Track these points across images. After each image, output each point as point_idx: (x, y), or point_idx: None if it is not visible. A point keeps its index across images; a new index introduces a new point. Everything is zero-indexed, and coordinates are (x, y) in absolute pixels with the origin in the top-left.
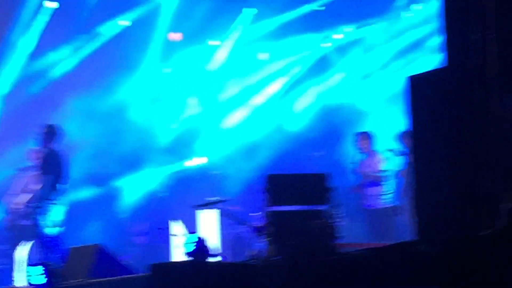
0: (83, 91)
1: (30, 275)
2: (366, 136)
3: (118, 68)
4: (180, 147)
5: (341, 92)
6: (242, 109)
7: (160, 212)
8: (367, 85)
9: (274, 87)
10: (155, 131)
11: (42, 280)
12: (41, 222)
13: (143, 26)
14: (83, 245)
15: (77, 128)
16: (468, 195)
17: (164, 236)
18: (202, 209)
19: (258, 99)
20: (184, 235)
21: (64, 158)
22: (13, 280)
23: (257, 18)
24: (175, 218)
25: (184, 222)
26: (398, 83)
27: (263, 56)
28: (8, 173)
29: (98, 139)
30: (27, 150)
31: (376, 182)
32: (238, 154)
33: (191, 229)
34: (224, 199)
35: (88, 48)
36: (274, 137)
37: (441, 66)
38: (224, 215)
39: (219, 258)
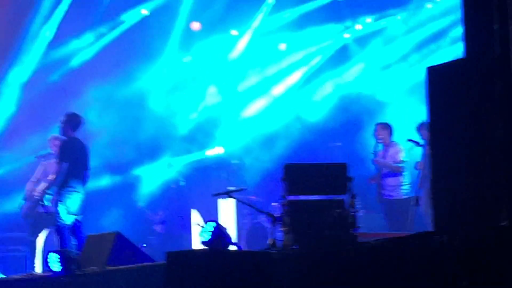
0: (103, 80)
1: (46, 262)
2: (385, 127)
3: (138, 56)
4: (199, 137)
5: (361, 82)
6: (262, 99)
7: (179, 201)
8: (386, 76)
9: (294, 77)
10: (174, 120)
11: (58, 267)
12: (57, 210)
13: (164, 15)
14: (101, 232)
15: (96, 117)
16: (486, 187)
17: (184, 225)
18: (222, 197)
19: (278, 89)
20: (200, 224)
21: (83, 147)
22: (34, 267)
23: (278, 8)
24: (194, 207)
25: (202, 211)
26: (418, 74)
27: (283, 46)
28: (28, 160)
29: (118, 128)
30: (48, 138)
31: (394, 172)
32: (256, 144)
33: (209, 218)
34: (243, 188)
35: (108, 36)
36: (293, 127)
37: (460, 58)
38: (242, 204)
39: (235, 247)
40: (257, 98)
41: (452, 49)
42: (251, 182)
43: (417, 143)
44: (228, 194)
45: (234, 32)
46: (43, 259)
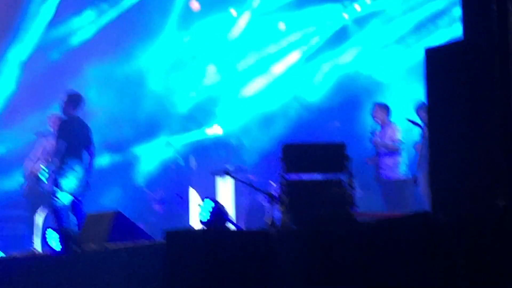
0: (103, 58)
1: (45, 241)
2: (382, 107)
3: (138, 35)
4: (198, 116)
5: (359, 63)
6: (260, 79)
7: (178, 180)
8: (385, 56)
9: (293, 57)
10: (173, 99)
11: (58, 246)
12: (54, 189)
13: None
14: (100, 211)
15: (96, 95)
16: (483, 167)
17: (183, 204)
18: (221, 176)
19: (276, 69)
20: (199, 203)
21: (83, 126)
22: (33, 244)
23: None
24: (193, 186)
25: (201, 190)
26: (417, 54)
27: (282, 26)
28: (27, 139)
29: (117, 106)
30: (48, 116)
31: (392, 153)
32: (255, 123)
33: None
34: (241, 167)
35: (109, 15)
36: (292, 107)
37: (459, 39)
38: (241, 184)
39: (233, 227)
40: (256, 77)
41: (451, 30)
42: (249, 161)
43: (415, 124)
44: (227, 173)
45: (233, 11)
46: (42, 237)
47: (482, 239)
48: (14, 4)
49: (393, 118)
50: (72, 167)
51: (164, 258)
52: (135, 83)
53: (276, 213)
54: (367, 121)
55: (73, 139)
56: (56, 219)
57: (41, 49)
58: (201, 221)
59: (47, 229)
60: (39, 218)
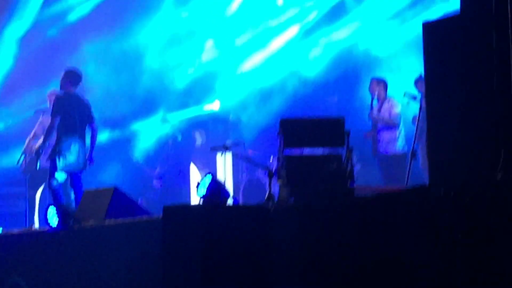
0: (100, 34)
1: (43, 217)
2: (379, 82)
3: (136, 11)
4: (196, 91)
5: (357, 37)
6: (258, 54)
7: (176, 156)
8: (383, 31)
9: (291, 32)
10: (171, 75)
11: (56, 222)
12: (49, 166)
13: None
14: (98, 187)
15: (94, 71)
16: (481, 140)
17: (182, 180)
18: (220, 152)
19: (274, 44)
20: (197, 178)
21: (79, 101)
22: (33, 222)
23: None
24: (191, 162)
25: (200, 166)
26: (414, 29)
27: (280, 1)
28: (26, 115)
29: (115, 82)
30: (47, 93)
31: (389, 127)
32: (253, 99)
33: (207, 172)
34: (240, 142)
35: None
36: (289, 82)
37: (456, 12)
38: (239, 159)
39: (231, 201)
40: (254, 52)
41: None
42: (248, 136)
43: (414, 97)
44: (225, 148)
45: None
46: (39, 214)
47: (480, 212)
48: None
49: (391, 92)
50: (68, 143)
51: (162, 234)
52: (133, 59)
53: (275, 188)
54: (365, 96)
55: (68, 115)
56: (52, 195)
57: (39, 25)
58: (199, 196)
59: (49, 207)
60: (38, 195)
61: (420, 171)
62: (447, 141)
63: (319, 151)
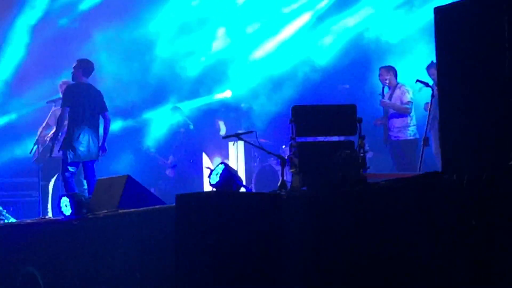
0: (112, 23)
1: (57, 206)
2: (389, 69)
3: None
4: (208, 80)
5: (369, 24)
6: (270, 42)
7: (188, 145)
8: (395, 18)
9: (302, 20)
10: (183, 64)
11: (69, 211)
12: (63, 155)
13: None
14: (111, 176)
15: (105, 60)
16: (494, 126)
17: (195, 168)
18: (232, 140)
19: (286, 32)
20: (210, 167)
21: (90, 91)
22: (47, 212)
23: None
24: (204, 151)
25: (212, 154)
26: (426, 15)
27: None
28: (38, 105)
29: (127, 71)
30: (58, 83)
31: (401, 114)
32: (265, 86)
33: (219, 161)
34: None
35: None
36: (301, 70)
37: None
38: (251, 147)
39: (244, 190)
40: (266, 40)
41: None
42: (260, 124)
43: (425, 84)
44: (238, 137)
45: None
46: (52, 203)
47: (493, 199)
48: None
49: (403, 79)
50: (77, 134)
51: (175, 222)
52: (145, 47)
53: (287, 175)
54: (377, 83)
55: (77, 106)
56: (64, 185)
57: (50, 15)
58: (211, 184)
59: (62, 197)
60: (51, 185)
61: (432, 158)
62: (460, 127)
63: (331, 138)
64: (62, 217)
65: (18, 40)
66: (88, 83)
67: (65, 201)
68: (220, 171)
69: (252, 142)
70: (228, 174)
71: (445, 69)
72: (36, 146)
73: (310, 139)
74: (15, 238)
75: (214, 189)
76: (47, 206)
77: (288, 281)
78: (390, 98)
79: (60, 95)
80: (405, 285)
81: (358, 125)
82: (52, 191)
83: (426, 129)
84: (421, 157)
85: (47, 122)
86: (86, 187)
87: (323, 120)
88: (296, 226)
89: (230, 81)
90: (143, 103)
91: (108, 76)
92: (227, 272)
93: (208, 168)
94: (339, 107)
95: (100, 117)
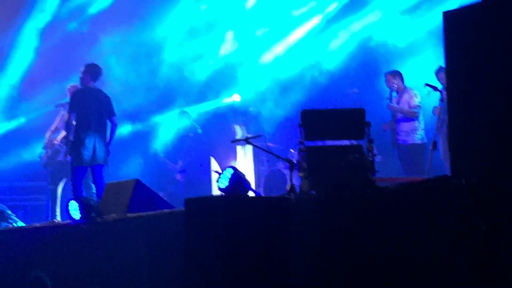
0: (120, 27)
1: (65, 210)
2: (395, 74)
3: (155, 3)
4: (216, 84)
5: (377, 29)
6: (279, 46)
7: (197, 149)
8: (403, 22)
9: (310, 24)
10: (191, 68)
11: (78, 215)
12: (71, 160)
13: None
14: (120, 180)
15: (113, 64)
16: (503, 130)
17: (204, 172)
18: (240, 144)
19: (295, 36)
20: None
21: (97, 96)
22: (56, 215)
23: None
24: (212, 155)
25: (221, 158)
26: (434, 19)
27: None
28: (47, 109)
29: (135, 76)
30: (67, 87)
31: (408, 118)
32: (273, 90)
33: (228, 165)
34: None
35: None
36: (310, 74)
37: (477, 1)
38: (260, 151)
39: (253, 194)
40: (274, 44)
41: None
42: (268, 128)
43: (434, 88)
44: (246, 141)
45: None
46: (61, 207)
47: (502, 203)
48: None
49: (411, 83)
50: (83, 138)
51: (184, 226)
52: (153, 51)
53: (296, 179)
54: (384, 87)
55: (84, 111)
56: (74, 190)
57: (59, 19)
58: (220, 188)
59: (70, 201)
60: (60, 189)
61: (440, 162)
62: (469, 132)
63: (340, 142)
64: (71, 221)
65: (26, 44)
66: (96, 88)
67: (73, 205)
68: (229, 175)
69: (260, 146)
70: (237, 178)
71: (453, 73)
72: (44, 150)
73: (319, 143)
74: (24, 242)
75: (223, 193)
76: (55, 210)
77: (298, 284)
78: (398, 102)
79: (69, 99)
80: None
81: (366, 129)
82: (61, 195)
83: (435, 133)
84: (430, 161)
85: (55, 126)
86: (94, 191)
87: (332, 124)
88: (305, 229)
89: (238, 85)
90: (151, 107)
91: (116, 80)
92: (236, 276)
93: (216, 172)
94: (347, 111)
95: (107, 122)
